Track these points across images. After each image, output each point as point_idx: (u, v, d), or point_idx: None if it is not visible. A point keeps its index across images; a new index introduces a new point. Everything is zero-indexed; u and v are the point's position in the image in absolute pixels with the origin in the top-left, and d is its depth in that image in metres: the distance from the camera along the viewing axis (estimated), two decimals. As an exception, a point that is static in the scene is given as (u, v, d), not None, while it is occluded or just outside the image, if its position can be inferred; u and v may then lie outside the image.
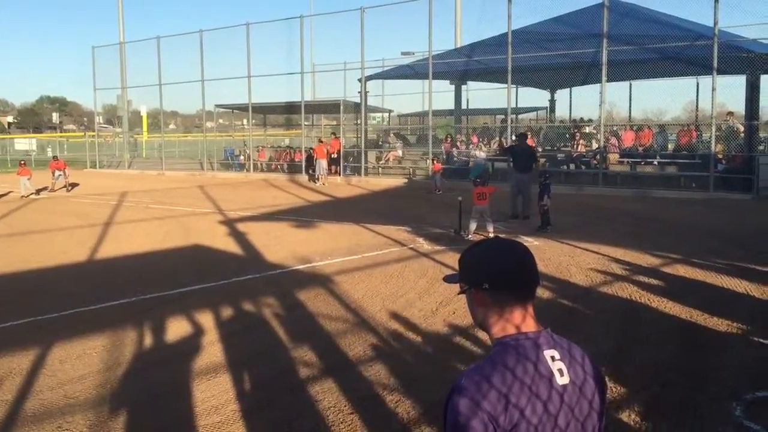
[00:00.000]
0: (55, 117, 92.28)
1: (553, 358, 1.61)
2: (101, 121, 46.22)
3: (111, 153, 38.44)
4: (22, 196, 21.52)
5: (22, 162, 23.25)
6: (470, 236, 11.75)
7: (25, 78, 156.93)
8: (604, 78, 20.34)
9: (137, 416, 4.81)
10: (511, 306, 1.66)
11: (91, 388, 5.29)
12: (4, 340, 6.56)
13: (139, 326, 6.94)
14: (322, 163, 25.20)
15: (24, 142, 53.52)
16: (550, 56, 21.87)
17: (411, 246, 11.26)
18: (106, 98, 37.76)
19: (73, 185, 24.95)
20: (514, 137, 23.24)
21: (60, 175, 23.98)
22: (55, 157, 26.28)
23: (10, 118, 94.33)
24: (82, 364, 5.87)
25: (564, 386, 1.59)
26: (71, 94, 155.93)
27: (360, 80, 26.41)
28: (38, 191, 22.69)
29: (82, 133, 49.84)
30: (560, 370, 1.60)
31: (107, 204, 19.08)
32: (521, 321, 1.66)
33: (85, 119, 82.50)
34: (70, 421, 4.71)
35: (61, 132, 71.08)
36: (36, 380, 5.50)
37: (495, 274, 1.68)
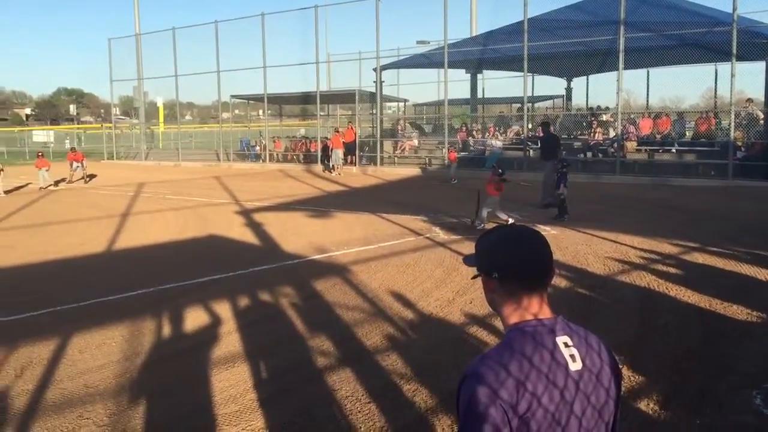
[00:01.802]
0: (72, 109, 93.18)
1: (565, 344, 1.61)
2: (118, 112, 46.51)
3: (128, 144, 38.73)
4: (41, 188, 21.75)
5: (40, 154, 23.46)
6: (483, 225, 11.70)
7: (43, 70, 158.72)
8: (621, 65, 20.14)
9: (156, 405, 4.85)
10: (528, 294, 1.66)
11: (111, 378, 5.35)
12: (25, 331, 6.64)
13: (158, 316, 7.00)
14: (338, 153, 25.20)
15: (42, 134, 54.02)
16: (567, 44, 21.64)
17: (427, 235, 11.24)
18: (123, 90, 37.95)
19: (91, 176, 25.18)
20: (530, 126, 23.20)
21: (78, 166, 24.21)
22: (72, 149, 26.52)
23: (28, 110, 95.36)
24: (101, 353, 5.93)
25: (578, 372, 1.59)
26: (88, 86, 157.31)
27: (375, 70, 26.33)
28: (56, 183, 22.94)
29: (99, 125, 50.30)
30: (572, 356, 1.60)
31: (125, 195, 19.24)
32: (538, 309, 1.66)
33: (102, 111, 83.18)
34: (91, 410, 4.77)
35: (78, 124, 71.71)
36: (56, 370, 5.56)
37: (505, 265, 1.69)
